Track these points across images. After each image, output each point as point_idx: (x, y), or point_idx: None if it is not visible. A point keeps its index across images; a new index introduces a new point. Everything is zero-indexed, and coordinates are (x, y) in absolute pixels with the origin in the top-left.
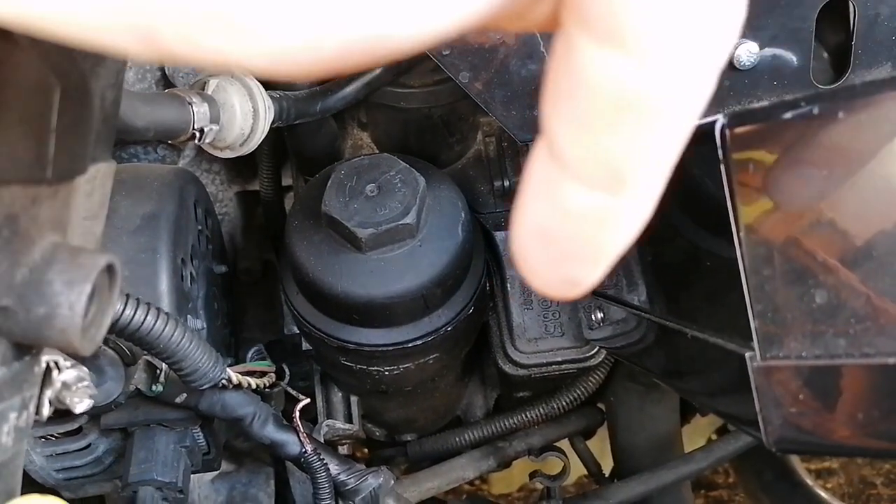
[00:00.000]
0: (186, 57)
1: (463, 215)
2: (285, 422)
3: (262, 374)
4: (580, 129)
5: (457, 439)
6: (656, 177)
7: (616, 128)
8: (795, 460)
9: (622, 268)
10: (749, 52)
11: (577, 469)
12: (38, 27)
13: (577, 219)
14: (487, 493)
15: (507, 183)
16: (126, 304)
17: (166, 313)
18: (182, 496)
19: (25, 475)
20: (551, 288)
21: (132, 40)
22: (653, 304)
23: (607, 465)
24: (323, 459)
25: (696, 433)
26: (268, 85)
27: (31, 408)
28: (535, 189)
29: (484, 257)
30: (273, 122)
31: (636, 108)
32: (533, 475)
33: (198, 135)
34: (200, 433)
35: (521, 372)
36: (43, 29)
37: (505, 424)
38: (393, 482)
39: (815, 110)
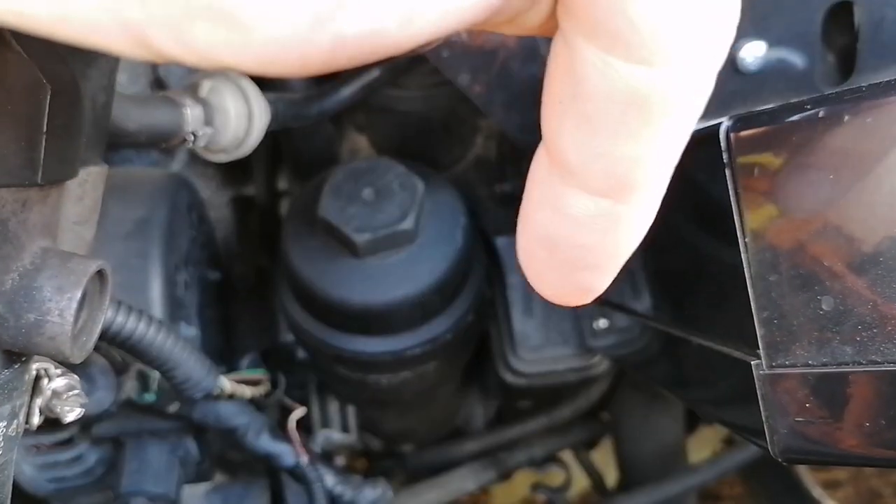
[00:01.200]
0: (177, 54)
1: (462, 220)
2: (280, 432)
3: (257, 382)
4: (585, 136)
5: (456, 450)
6: (661, 180)
7: (623, 132)
8: (803, 471)
9: (626, 275)
10: (754, 56)
11: (581, 480)
12: (28, 24)
13: (583, 226)
14: None
15: (507, 187)
16: (118, 311)
17: (158, 320)
18: None
19: (16, 485)
20: (561, 296)
21: (122, 37)
22: (657, 312)
23: (612, 476)
24: (319, 471)
25: (703, 444)
26: (264, 87)
27: (22, 417)
28: (538, 197)
29: (484, 263)
30: (269, 126)
31: (645, 111)
32: (535, 487)
33: (191, 138)
34: (193, 443)
35: (522, 381)
36: (32, 26)
37: (506, 435)
38: (391, 494)
39: (821, 113)
